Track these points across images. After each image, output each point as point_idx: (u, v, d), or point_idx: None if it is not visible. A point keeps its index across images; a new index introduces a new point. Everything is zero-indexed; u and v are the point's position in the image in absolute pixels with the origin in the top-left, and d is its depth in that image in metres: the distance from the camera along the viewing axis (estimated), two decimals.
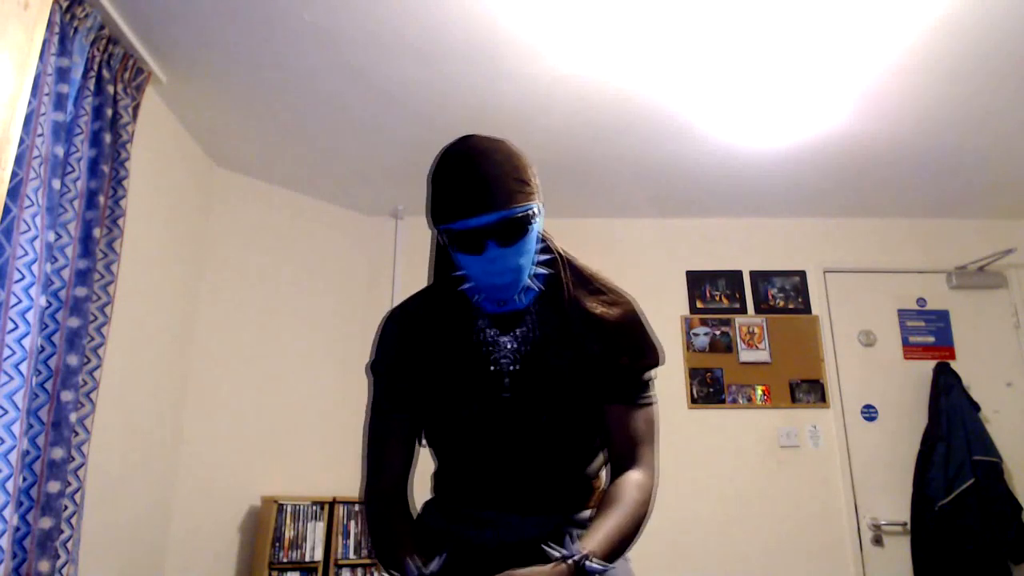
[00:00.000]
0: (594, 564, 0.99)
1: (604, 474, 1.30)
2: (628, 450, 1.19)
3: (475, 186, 1.08)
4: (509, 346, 1.20)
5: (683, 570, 3.32)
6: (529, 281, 1.18)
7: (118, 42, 2.35)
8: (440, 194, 1.12)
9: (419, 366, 1.22)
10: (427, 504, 1.34)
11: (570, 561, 0.99)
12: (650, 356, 1.22)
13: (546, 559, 1.01)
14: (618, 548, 1.08)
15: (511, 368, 1.19)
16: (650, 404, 1.23)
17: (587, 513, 1.23)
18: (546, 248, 1.22)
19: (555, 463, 1.22)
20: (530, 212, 1.12)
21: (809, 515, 3.44)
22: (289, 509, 3.00)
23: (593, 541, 1.04)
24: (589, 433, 1.23)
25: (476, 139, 1.14)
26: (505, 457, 1.21)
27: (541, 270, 1.20)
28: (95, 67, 2.24)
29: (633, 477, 1.16)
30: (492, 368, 1.19)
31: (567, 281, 1.22)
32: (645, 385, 1.23)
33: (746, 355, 3.68)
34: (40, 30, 1.62)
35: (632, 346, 1.21)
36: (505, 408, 1.19)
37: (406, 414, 1.25)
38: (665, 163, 3.31)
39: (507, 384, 1.19)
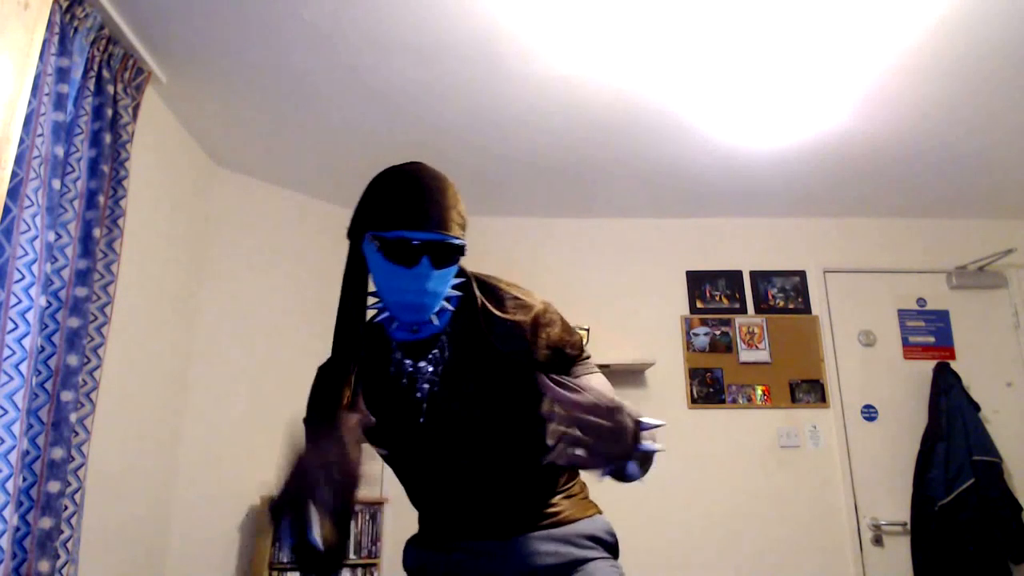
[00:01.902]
0: (646, 420, 0.96)
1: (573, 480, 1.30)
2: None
3: (430, 202, 1.12)
4: (428, 370, 1.21)
5: (683, 570, 3.32)
6: (444, 304, 1.19)
7: (118, 42, 2.35)
8: (389, 202, 1.14)
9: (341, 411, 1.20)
10: (407, 544, 1.34)
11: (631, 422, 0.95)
12: (574, 343, 1.23)
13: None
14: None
15: (433, 391, 1.20)
16: (592, 370, 1.23)
17: (567, 528, 1.22)
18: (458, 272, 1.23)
19: (504, 474, 1.22)
20: (464, 247, 1.16)
21: (809, 515, 3.45)
22: None
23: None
24: (524, 439, 1.21)
25: (427, 166, 1.19)
26: (454, 481, 1.21)
27: (454, 292, 1.21)
28: (95, 67, 2.24)
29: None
30: (418, 395, 1.20)
31: (479, 297, 1.23)
32: (578, 361, 1.23)
33: (746, 355, 3.68)
34: (40, 30, 1.62)
35: (552, 340, 1.21)
36: (431, 432, 1.19)
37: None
38: (665, 163, 3.31)
39: (424, 409, 1.19)
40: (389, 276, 1.14)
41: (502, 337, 1.19)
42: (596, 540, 1.24)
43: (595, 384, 1.15)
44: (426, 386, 1.20)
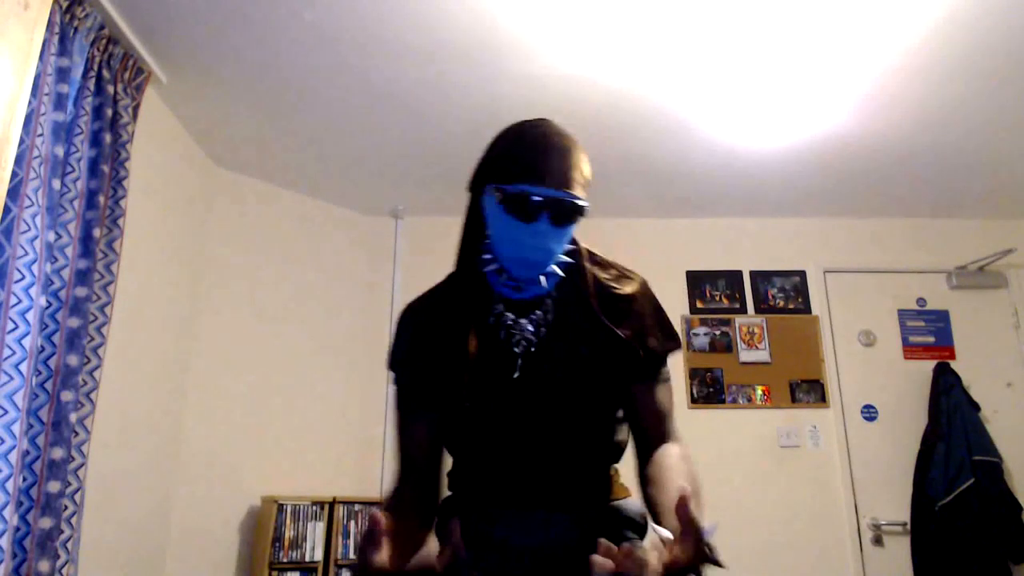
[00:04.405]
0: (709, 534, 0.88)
1: (629, 466, 1.30)
2: (657, 427, 1.21)
3: (556, 159, 1.11)
4: (528, 329, 1.20)
5: None
6: (553, 266, 1.19)
7: (118, 42, 2.35)
8: (514, 154, 1.13)
9: (434, 355, 1.21)
10: (446, 502, 1.32)
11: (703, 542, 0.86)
12: (674, 339, 1.25)
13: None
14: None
15: (529, 350, 1.19)
16: (669, 379, 1.25)
17: (622, 504, 1.24)
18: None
19: (575, 449, 1.21)
20: (585, 207, 1.15)
21: (809, 515, 3.44)
22: (289, 509, 3.00)
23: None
24: (606, 418, 1.23)
25: (554, 123, 1.18)
26: (524, 444, 1.20)
27: (563, 257, 1.21)
28: (95, 67, 2.24)
29: (670, 449, 1.18)
30: (515, 351, 1.19)
31: (588, 267, 1.24)
32: (665, 361, 1.25)
33: (746, 355, 3.68)
34: (40, 30, 1.62)
35: (656, 327, 1.23)
36: (518, 390, 1.18)
37: (430, 412, 1.23)
38: (665, 163, 3.31)
39: (519, 365, 1.18)
40: (507, 230, 1.13)
41: (610, 310, 1.20)
42: (631, 521, 1.25)
43: (664, 402, 1.21)
44: (524, 343, 1.19)
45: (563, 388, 1.18)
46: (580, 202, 1.13)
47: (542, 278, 1.18)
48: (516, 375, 1.18)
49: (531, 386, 1.18)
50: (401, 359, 1.27)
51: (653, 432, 1.21)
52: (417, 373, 1.24)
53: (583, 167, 1.16)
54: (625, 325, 1.19)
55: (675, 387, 3.65)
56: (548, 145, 1.13)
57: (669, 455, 1.16)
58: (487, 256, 1.20)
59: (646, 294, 1.25)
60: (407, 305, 1.31)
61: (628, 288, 1.23)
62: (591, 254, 1.28)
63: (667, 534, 0.92)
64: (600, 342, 1.19)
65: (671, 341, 1.24)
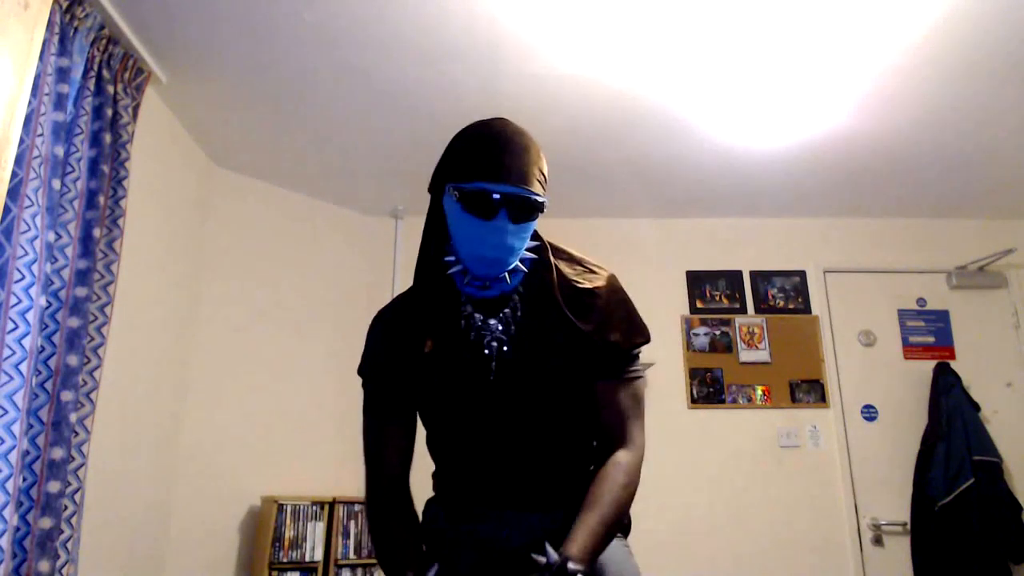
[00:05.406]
0: (573, 567, 0.97)
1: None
2: (616, 427, 1.20)
3: (511, 156, 1.11)
4: (499, 328, 1.20)
5: (682, 570, 3.32)
6: (517, 263, 1.18)
7: (118, 42, 2.35)
8: (471, 152, 1.13)
9: (407, 362, 1.22)
10: (430, 503, 1.33)
11: (551, 570, 0.96)
12: (641, 334, 1.24)
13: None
14: (601, 543, 1.08)
15: (502, 349, 1.19)
16: (638, 378, 1.24)
17: None
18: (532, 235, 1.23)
19: (553, 447, 1.21)
20: (544, 203, 1.14)
21: (809, 515, 3.44)
22: (289, 509, 3.00)
23: (573, 544, 1.03)
24: (582, 416, 1.22)
25: (511, 122, 1.18)
26: (504, 445, 1.20)
27: (528, 254, 1.21)
28: (95, 67, 2.24)
29: (617, 459, 1.17)
30: (486, 352, 1.19)
31: (553, 262, 1.23)
32: (633, 359, 1.24)
33: (746, 355, 3.68)
34: (40, 30, 1.62)
35: (622, 322, 1.22)
36: (494, 391, 1.18)
37: (395, 418, 1.25)
38: (665, 163, 3.31)
39: (494, 367, 1.18)
40: (466, 228, 1.13)
41: (571, 303, 1.19)
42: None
43: (626, 403, 1.20)
44: (495, 344, 1.19)
45: (536, 387, 1.18)
46: (538, 198, 1.13)
47: (506, 275, 1.17)
48: (492, 376, 1.18)
49: (506, 387, 1.18)
50: (371, 365, 1.27)
51: (609, 434, 1.20)
52: (387, 379, 1.25)
53: (541, 164, 1.16)
54: (589, 320, 1.19)
55: (676, 387, 3.65)
56: (505, 143, 1.12)
57: (607, 471, 1.16)
58: (450, 258, 1.20)
59: (613, 289, 1.24)
60: (377, 313, 1.31)
61: (594, 283, 1.22)
62: (557, 250, 1.27)
63: (540, 559, 0.98)
64: (566, 338, 1.18)
65: (638, 336, 1.23)
